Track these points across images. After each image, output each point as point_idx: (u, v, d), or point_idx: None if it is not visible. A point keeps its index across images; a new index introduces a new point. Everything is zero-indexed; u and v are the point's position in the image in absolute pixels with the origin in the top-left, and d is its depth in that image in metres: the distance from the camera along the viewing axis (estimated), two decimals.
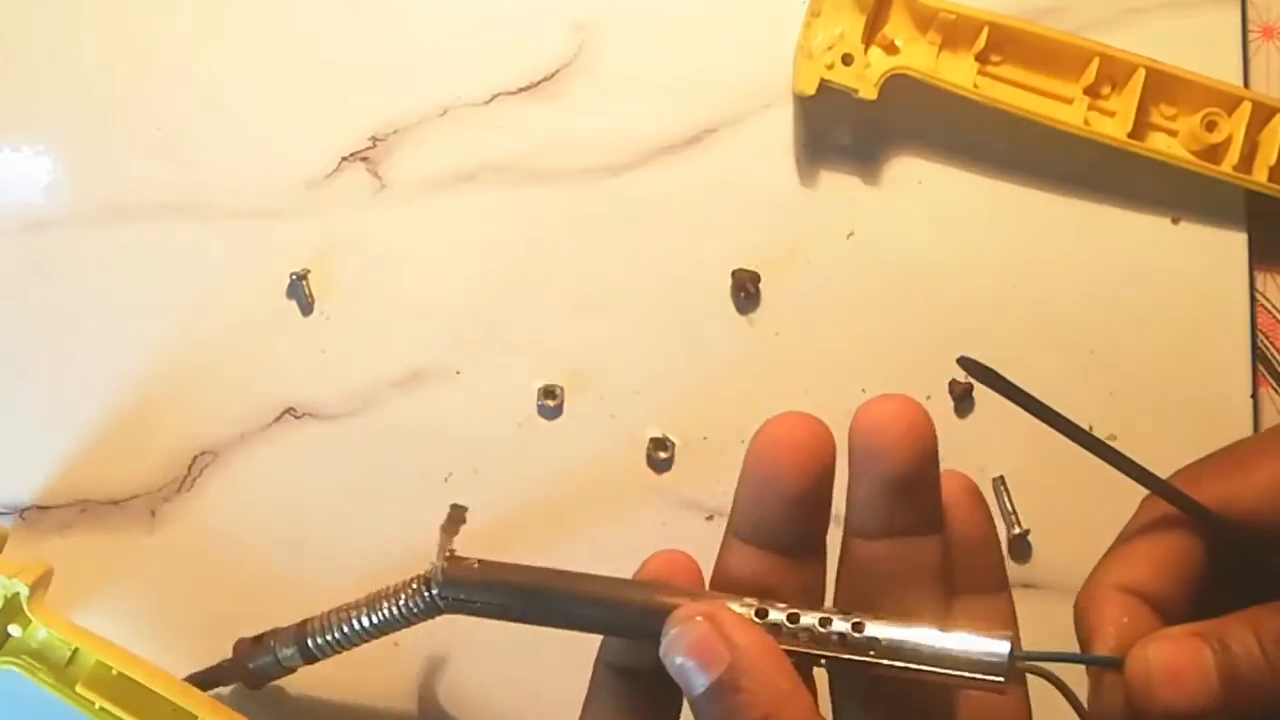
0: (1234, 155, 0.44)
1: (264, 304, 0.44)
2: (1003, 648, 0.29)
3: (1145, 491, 0.33)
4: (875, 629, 0.30)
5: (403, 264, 0.45)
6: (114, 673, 0.39)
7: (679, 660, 0.29)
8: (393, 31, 0.45)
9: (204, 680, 0.41)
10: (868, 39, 0.44)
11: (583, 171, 0.45)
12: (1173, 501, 0.32)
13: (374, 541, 0.44)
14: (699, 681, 0.29)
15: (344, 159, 0.45)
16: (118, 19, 0.45)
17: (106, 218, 0.44)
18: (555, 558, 0.44)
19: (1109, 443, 0.32)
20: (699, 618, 0.29)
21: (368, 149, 0.45)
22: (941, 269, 0.46)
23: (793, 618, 0.30)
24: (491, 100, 0.45)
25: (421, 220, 0.45)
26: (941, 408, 0.46)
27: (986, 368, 0.32)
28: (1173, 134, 0.45)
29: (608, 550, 0.44)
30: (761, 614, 0.30)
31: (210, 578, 0.43)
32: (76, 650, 0.39)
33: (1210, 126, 0.44)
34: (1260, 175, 0.45)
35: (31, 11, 0.45)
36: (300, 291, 0.44)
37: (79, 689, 0.39)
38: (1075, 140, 0.45)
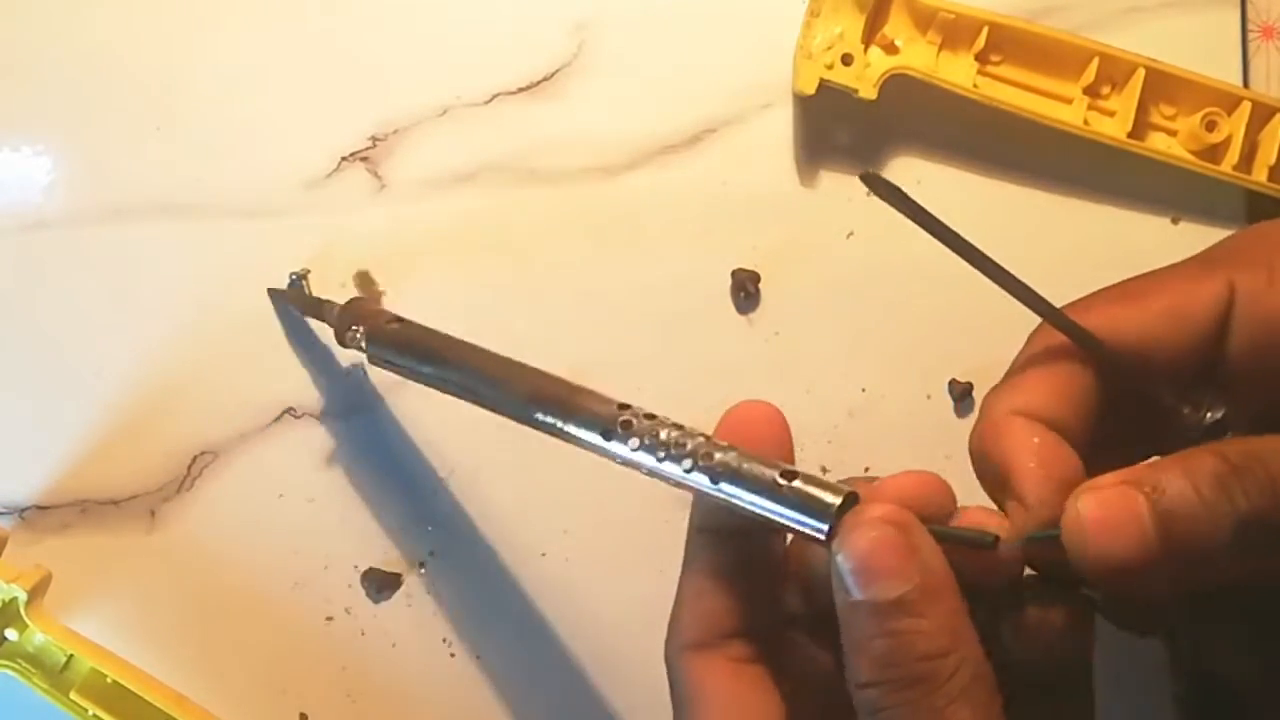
0: (1234, 155, 0.44)
1: (264, 304, 0.44)
2: (834, 500, 0.28)
3: None
4: (721, 456, 0.30)
5: (402, 264, 0.45)
6: (108, 680, 0.39)
7: (851, 564, 0.27)
8: (393, 31, 0.45)
9: (314, 304, 0.42)
10: (867, 39, 0.44)
11: (583, 171, 0.45)
12: (1064, 330, 0.32)
13: (374, 541, 0.44)
14: (871, 593, 0.27)
15: (344, 159, 0.45)
16: (118, 19, 0.45)
17: (106, 218, 0.44)
18: (555, 558, 0.45)
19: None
20: (888, 523, 0.27)
21: (368, 149, 0.45)
22: (941, 269, 0.46)
23: (652, 430, 0.31)
24: (491, 100, 0.45)
25: (421, 220, 0.45)
26: (941, 408, 0.46)
27: (886, 181, 0.32)
28: (1172, 134, 0.45)
29: (607, 550, 0.44)
30: (626, 425, 0.31)
31: (210, 578, 0.43)
32: (72, 657, 0.40)
33: (1210, 126, 0.44)
34: (1260, 175, 0.45)
35: (31, 12, 0.45)
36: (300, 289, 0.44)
37: (73, 695, 0.39)
38: (1075, 140, 0.45)
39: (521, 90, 0.46)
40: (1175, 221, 0.47)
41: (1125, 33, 0.46)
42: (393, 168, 0.45)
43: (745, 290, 0.45)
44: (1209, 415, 0.32)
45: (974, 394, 0.46)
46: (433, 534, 0.44)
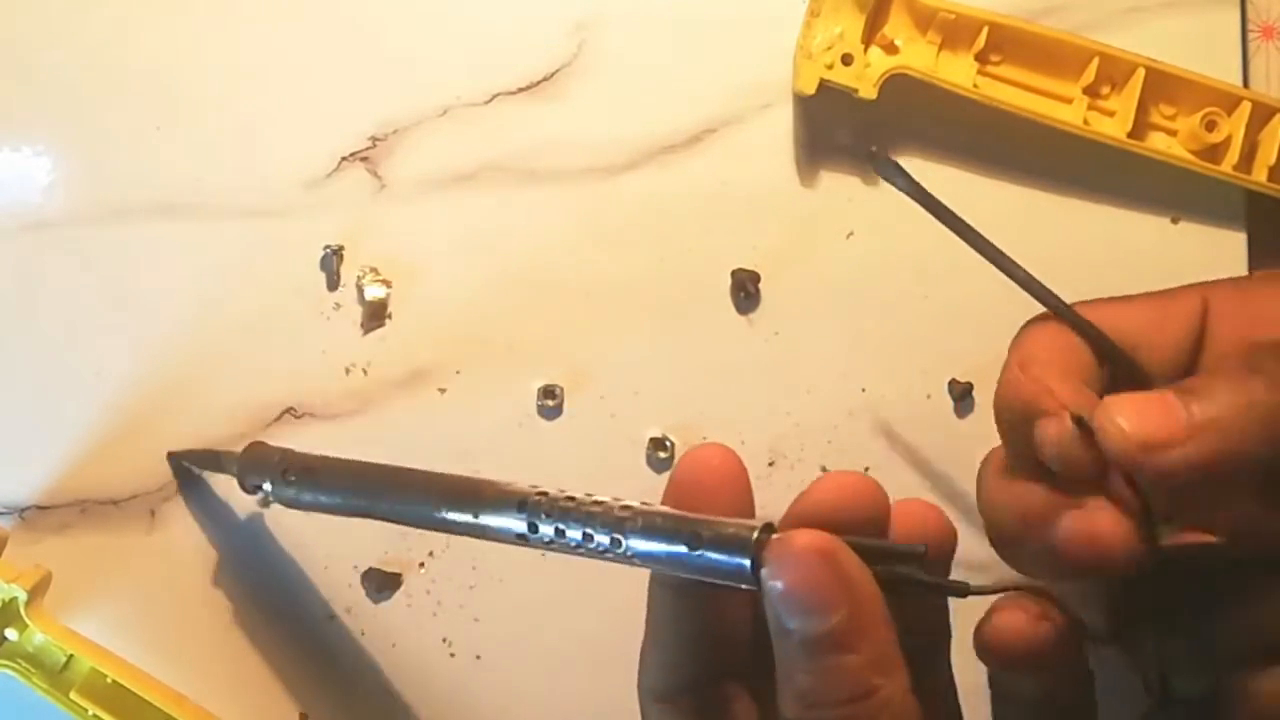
0: (1234, 155, 0.44)
1: (264, 304, 0.44)
2: (749, 537, 0.28)
3: None
4: (634, 543, 0.29)
5: (402, 264, 0.45)
6: (108, 680, 0.39)
7: (777, 596, 0.27)
8: (393, 31, 0.45)
9: (211, 458, 0.41)
10: (867, 39, 0.44)
11: (583, 171, 0.45)
12: (1064, 316, 0.33)
13: (374, 542, 0.44)
14: (797, 625, 0.27)
15: (344, 159, 0.45)
16: (118, 19, 0.45)
17: (106, 218, 0.44)
18: (555, 558, 0.44)
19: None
20: (813, 552, 0.27)
21: (368, 149, 0.45)
22: (941, 269, 0.46)
23: (560, 531, 0.30)
24: (491, 100, 0.45)
25: (421, 220, 0.45)
26: (941, 408, 0.46)
27: (892, 162, 0.32)
28: (1172, 134, 0.45)
29: None
30: (536, 505, 0.30)
31: (210, 578, 0.43)
32: (72, 657, 0.40)
33: (1210, 126, 0.44)
34: (1260, 175, 0.45)
35: (31, 12, 0.45)
36: (331, 265, 0.44)
37: (73, 695, 0.39)
38: (1075, 140, 0.45)
39: (521, 90, 0.46)
40: (1175, 221, 0.47)
41: (1125, 33, 0.46)
42: (393, 168, 0.45)
43: (745, 290, 0.45)
44: None
45: (974, 394, 0.46)
46: (433, 534, 0.44)
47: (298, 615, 0.43)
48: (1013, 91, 0.45)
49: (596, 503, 0.31)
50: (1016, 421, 0.32)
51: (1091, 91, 0.45)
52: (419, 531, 0.44)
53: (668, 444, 0.45)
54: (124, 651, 0.42)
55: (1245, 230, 0.47)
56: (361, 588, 0.44)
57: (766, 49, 0.45)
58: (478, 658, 0.44)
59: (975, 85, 0.44)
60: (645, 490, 0.44)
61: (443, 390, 0.45)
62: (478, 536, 0.33)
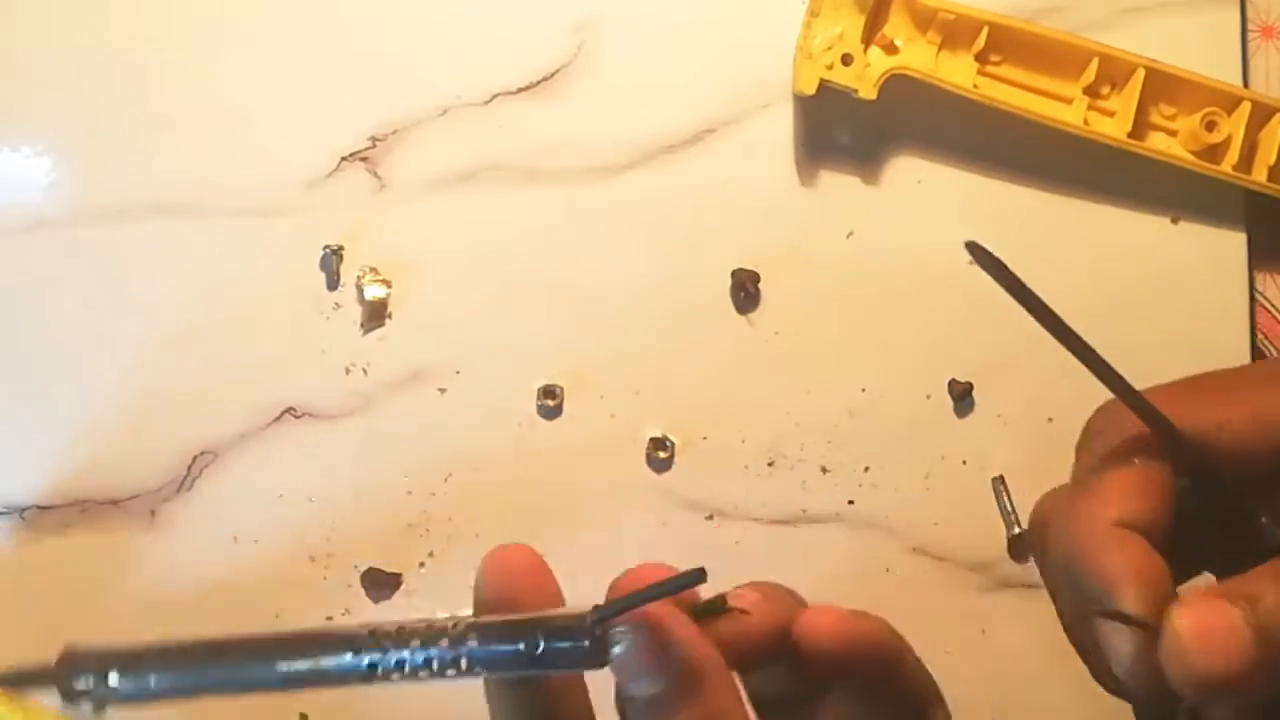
0: (1233, 155, 0.44)
1: (264, 304, 0.44)
2: (580, 612, 0.29)
3: None
4: (473, 655, 0.30)
5: (402, 264, 0.45)
6: None
7: (617, 659, 0.28)
8: (393, 32, 0.45)
9: (14, 680, 0.39)
10: (867, 39, 0.44)
11: (583, 171, 0.45)
12: (1144, 416, 0.31)
13: (374, 542, 0.44)
14: (630, 691, 0.28)
15: (344, 159, 0.45)
16: (118, 20, 0.45)
17: (106, 218, 0.44)
18: (555, 558, 0.44)
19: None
20: (640, 623, 0.28)
21: (368, 149, 0.45)
22: (941, 269, 0.46)
23: (399, 662, 0.31)
24: (491, 100, 0.45)
25: (421, 220, 0.45)
26: (941, 408, 0.46)
27: (992, 254, 0.31)
28: (1172, 134, 0.45)
29: (607, 550, 0.44)
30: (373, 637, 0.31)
31: (210, 578, 0.43)
32: None
33: (1210, 126, 0.44)
34: (1260, 175, 0.45)
35: (32, 12, 0.45)
36: (331, 265, 0.44)
37: None
38: (1075, 140, 0.45)
39: (521, 90, 0.46)
40: (1175, 221, 0.47)
41: (1125, 33, 0.46)
42: (393, 168, 0.45)
43: (745, 290, 0.45)
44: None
45: (974, 394, 0.46)
46: (433, 534, 0.44)
47: (298, 615, 0.43)
48: (1013, 91, 0.45)
49: (423, 623, 0.31)
50: (1080, 577, 0.31)
51: (1091, 91, 0.45)
52: (419, 531, 0.44)
53: (668, 444, 0.45)
54: None
55: (1245, 230, 0.47)
56: (361, 588, 0.44)
57: (766, 49, 0.45)
58: None
59: (975, 85, 0.44)
60: (645, 489, 0.45)
61: (443, 390, 0.45)
62: (326, 685, 0.33)
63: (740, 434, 0.45)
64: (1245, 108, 0.44)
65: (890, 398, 0.46)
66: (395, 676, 0.32)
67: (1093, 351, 0.31)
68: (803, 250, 0.46)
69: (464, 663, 0.30)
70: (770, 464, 0.45)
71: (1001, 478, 0.45)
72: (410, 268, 0.45)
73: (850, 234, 0.46)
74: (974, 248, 0.31)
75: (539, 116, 0.45)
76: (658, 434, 0.45)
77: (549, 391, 0.44)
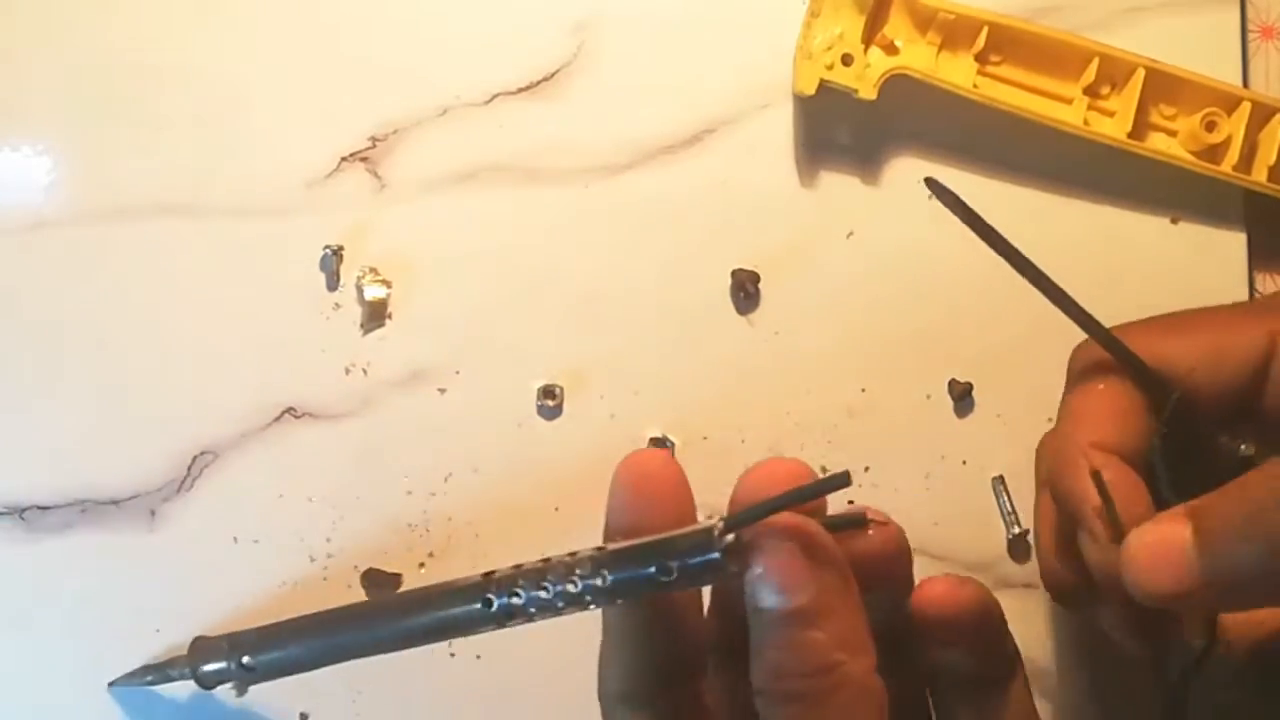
0: (1233, 155, 0.44)
1: (264, 303, 0.44)
2: (708, 526, 0.29)
3: None
4: (605, 585, 0.30)
5: (402, 264, 0.45)
6: None
7: (753, 575, 0.28)
8: (393, 31, 0.45)
9: (159, 673, 0.41)
10: (867, 39, 0.44)
11: (583, 171, 0.45)
12: (1112, 350, 0.33)
13: (374, 542, 0.44)
14: (770, 602, 0.28)
15: (344, 159, 0.45)
16: (117, 19, 0.45)
17: (106, 218, 0.44)
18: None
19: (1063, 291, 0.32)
20: (789, 534, 0.28)
21: (368, 149, 0.45)
22: (941, 269, 0.46)
23: (529, 602, 0.31)
24: (491, 100, 0.45)
25: (421, 220, 0.45)
26: (941, 408, 0.46)
27: (949, 190, 0.32)
28: (1172, 134, 0.45)
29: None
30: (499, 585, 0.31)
31: (210, 578, 0.43)
32: None
33: (1210, 126, 0.44)
34: (1260, 175, 0.45)
35: (30, 11, 0.45)
36: (331, 265, 0.44)
37: None
38: (1075, 140, 0.45)
39: (521, 90, 0.46)
40: (1175, 221, 0.47)
41: (1125, 33, 0.46)
42: (393, 168, 0.45)
43: (745, 290, 0.45)
44: (1242, 448, 0.34)
45: (973, 394, 0.46)
46: (432, 534, 0.44)
47: (298, 615, 0.43)
48: (1013, 91, 0.45)
49: (544, 562, 0.31)
50: (1060, 496, 0.34)
51: (1091, 91, 0.45)
52: (419, 531, 0.44)
53: (667, 444, 0.45)
54: (124, 650, 0.42)
55: (1245, 230, 0.47)
56: (361, 588, 0.44)
57: (766, 49, 0.45)
58: (478, 658, 0.44)
59: (975, 85, 0.44)
60: None
61: (443, 390, 0.45)
62: (451, 637, 0.34)
63: (740, 434, 0.45)
64: (1245, 108, 0.44)
65: (890, 398, 0.46)
66: (533, 617, 0.32)
67: (1060, 289, 0.33)
68: (803, 250, 0.46)
69: (593, 596, 0.31)
70: None
71: (1001, 478, 0.45)
72: (410, 268, 0.45)
73: (850, 234, 0.46)
74: (932, 183, 0.33)
75: (539, 116, 0.45)
76: (658, 434, 0.45)
77: (549, 391, 0.44)
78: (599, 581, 0.30)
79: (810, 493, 0.28)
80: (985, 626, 0.32)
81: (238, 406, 0.44)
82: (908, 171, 0.46)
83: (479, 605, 0.32)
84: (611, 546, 0.30)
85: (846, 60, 0.44)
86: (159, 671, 0.41)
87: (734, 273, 0.45)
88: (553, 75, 0.46)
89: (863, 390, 0.46)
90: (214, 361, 0.44)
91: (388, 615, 0.35)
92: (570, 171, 0.45)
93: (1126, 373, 0.34)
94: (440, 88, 0.45)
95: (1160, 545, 0.30)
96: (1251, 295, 0.47)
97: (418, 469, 0.44)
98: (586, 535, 0.45)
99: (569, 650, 0.44)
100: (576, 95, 0.46)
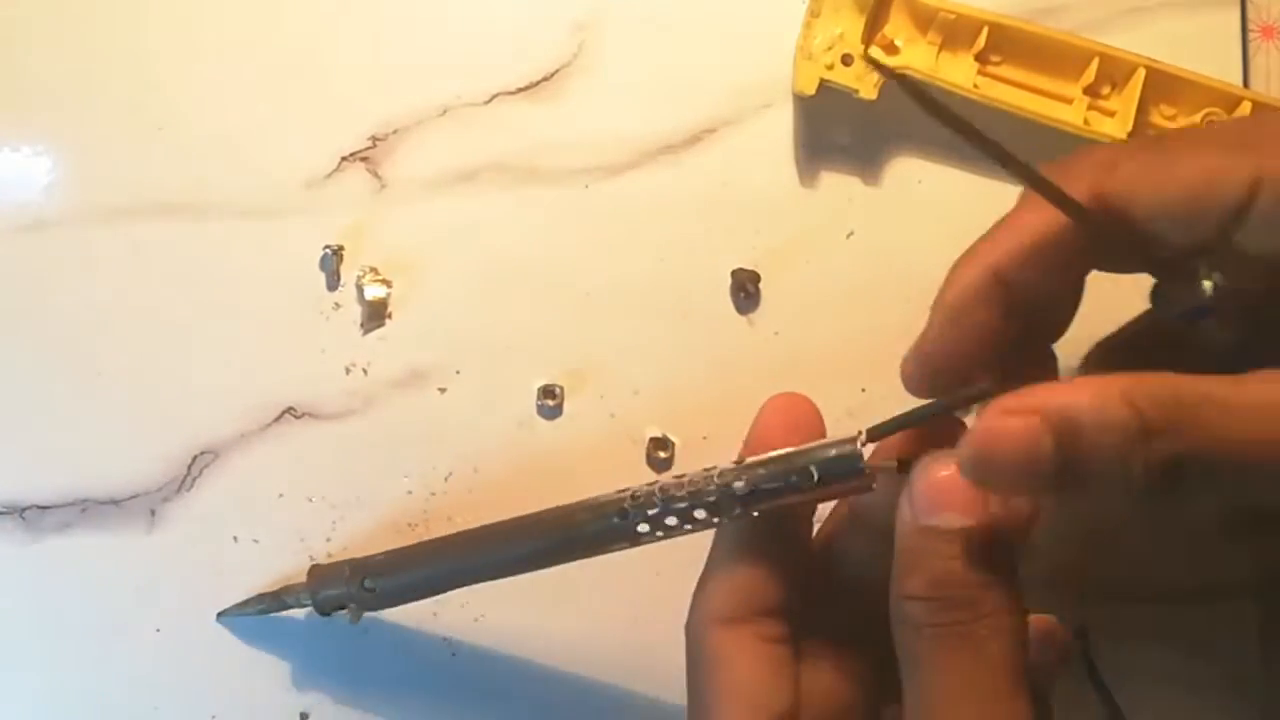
0: None
1: (264, 303, 0.44)
2: (851, 436, 0.31)
3: None
4: (742, 482, 0.32)
5: (402, 264, 0.45)
6: None
7: (928, 486, 0.30)
8: (393, 31, 0.45)
9: (274, 600, 0.42)
10: (867, 39, 0.44)
11: (583, 171, 0.45)
12: (1055, 201, 0.32)
13: (374, 542, 0.44)
14: (938, 520, 0.29)
15: (344, 159, 0.45)
16: (117, 18, 0.45)
17: (106, 218, 0.44)
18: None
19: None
20: (945, 472, 0.30)
21: (368, 149, 0.45)
22: (941, 269, 0.46)
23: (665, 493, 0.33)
24: (491, 100, 0.45)
25: (421, 220, 0.45)
26: None
27: (907, 79, 0.32)
28: None
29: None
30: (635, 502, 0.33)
31: (210, 578, 0.43)
32: None
33: None
34: None
35: (31, 11, 0.45)
36: (331, 265, 0.44)
37: None
38: (1075, 140, 0.45)
39: (521, 90, 0.46)
40: None
41: (1125, 33, 0.46)
42: (393, 168, 0.45)
43: (745, 290, 0.45)
44: (1205, 283, 0.31)
45: None
46: (432, 534, 0.44)
47: (297, 615, 0.43)
48: (1013, 91, 0.45)
49: (696, 478, 0.33)
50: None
51: (1091, 91, 0.45)
52: (419, 531, 0.44)
53: (668, 444, 0.45)
54: (124, 650, 0.42)
55: None
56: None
57: (766, 49, 0.45)
58: (478, 657, 0.44)
59: (975, 85, 0.44)
60: None
61: (443, 390, 0.45)
62: (584, 556, 0.35)
63: (740, 434, 0.45)
64: (1245, 108, 0.44)
65: (890, 398, 0.46)
66: (659, 530, 0.33)
67: (1012, 155, 0.32)
68: (803, 250, 0.46)
69: (734, 502, 0.32)
70: None
71: None
72: (410, 268, 0.45)
73: (850, 234, 0.46)
74: (900, 80, 0.32)
75: (539, 116, 0.45)
76: (658, 434, 0.45)
77: (549, 391, 0.44)
78: (739, 485, 0.32)
79: (949, 405, 0.31)
80: None
81: (238, 406, 0.44)
82: (908, 171, 0.46)
83: (615, 519, 0.33)
84: (750, 459, 0.32)
85: (846, 60, 0.44)
86: (274, 599, 0.42)
87: (734, 273, 0.45)
88: (553, 75, 0.46)
89: (863, 390, 0.46)
90: (214, 361, 0.44)
91: (515, 535, 0.36)
92: (570, 171, 0.45)
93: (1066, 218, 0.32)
94: (440, 88, 0.45)
95: (1016, 426, 0.28)
96: None
97: (418, 469, 0.44)
98: None
99: (569, 650, 0.44)
100: (576, 95, 0.46)
